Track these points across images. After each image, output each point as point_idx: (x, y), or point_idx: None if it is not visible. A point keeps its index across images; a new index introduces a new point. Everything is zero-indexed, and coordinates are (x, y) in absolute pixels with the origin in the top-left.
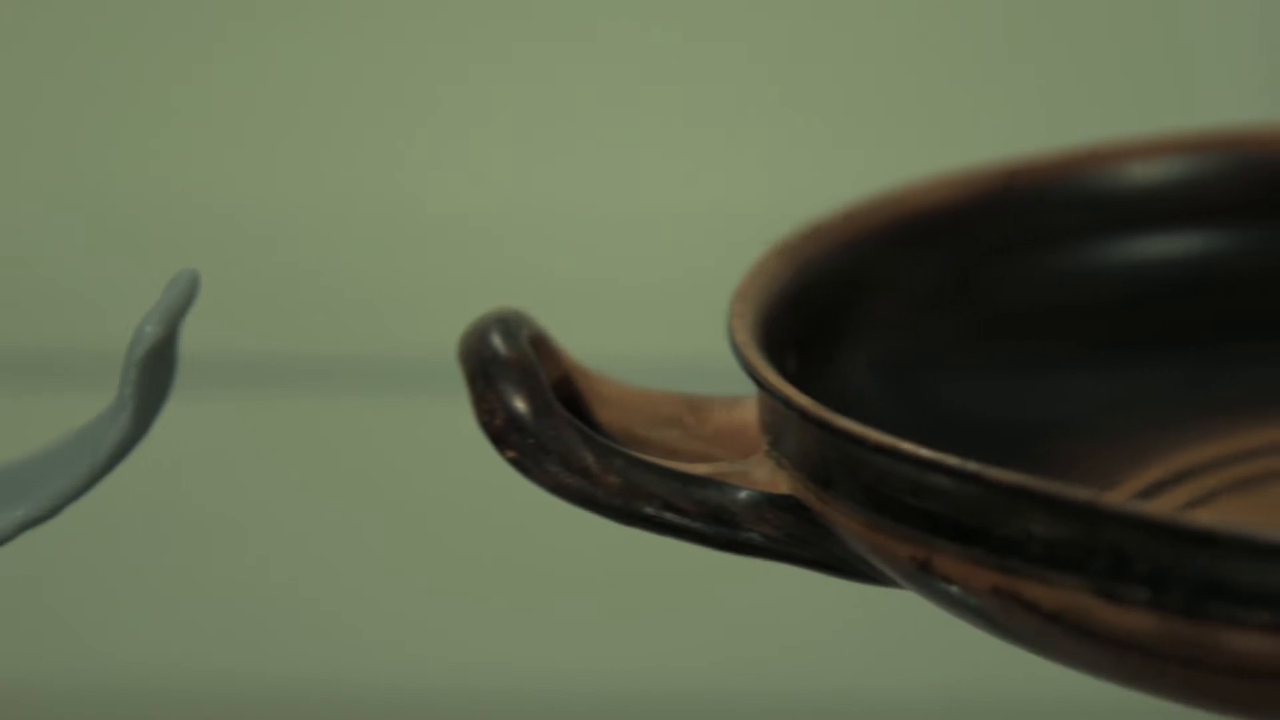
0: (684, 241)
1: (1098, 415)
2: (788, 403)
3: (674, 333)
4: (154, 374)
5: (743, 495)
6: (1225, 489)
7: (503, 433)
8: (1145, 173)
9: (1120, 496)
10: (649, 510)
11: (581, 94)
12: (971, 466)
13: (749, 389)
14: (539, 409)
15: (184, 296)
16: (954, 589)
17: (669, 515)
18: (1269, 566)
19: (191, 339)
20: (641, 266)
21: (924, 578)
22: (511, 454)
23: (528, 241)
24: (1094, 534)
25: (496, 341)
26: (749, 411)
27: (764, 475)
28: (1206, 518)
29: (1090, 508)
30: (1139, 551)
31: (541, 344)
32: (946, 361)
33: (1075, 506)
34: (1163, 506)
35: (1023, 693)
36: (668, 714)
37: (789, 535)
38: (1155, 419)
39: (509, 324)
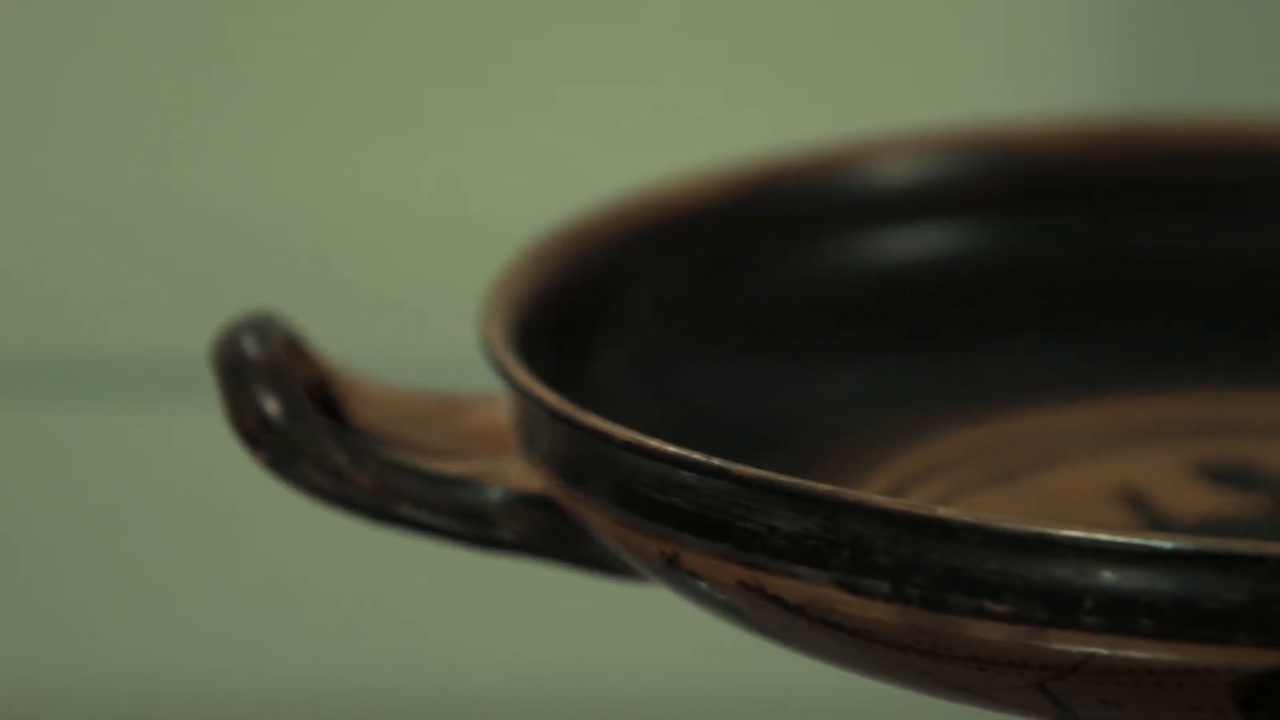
0: (452, 239)
1: (852, 410)
2: (536, 401)
3: (441, 331)
4: None
5: (495, 494)
6: (978, 481)
7: (254, 434)
8: (898, 171)
9: (871, 490)
10: (403, 511)
11: (338, 92)
12: (715, 462)
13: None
14: (291, 411)
15: None
16: (701, 584)
17: (423, 515)
18: (1008, 557)
19: None
20: (406, 265)
21: (672, 573)
22: (263, 455)
23: (288, 241)
24: (835, 527)
25: (248, 344)
26: (506, 410)
27: (517, 474)
28: (946, 509)
29: (831, 501)
30: (880, 544)
31: (295, 346)
32: (701, 360)
33: (816, 500)
34: (913, 500)
35: (778, 687)
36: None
37: (541, 533)
38: (908, 413)
39: (261, 327)
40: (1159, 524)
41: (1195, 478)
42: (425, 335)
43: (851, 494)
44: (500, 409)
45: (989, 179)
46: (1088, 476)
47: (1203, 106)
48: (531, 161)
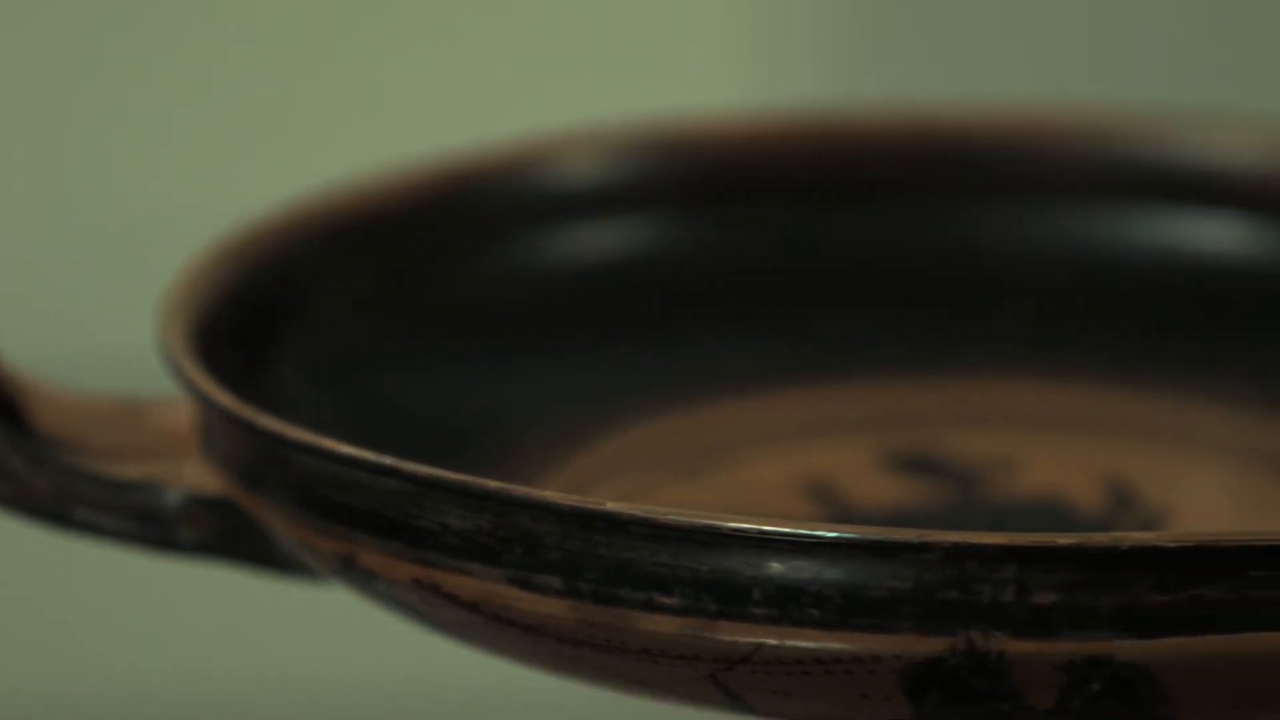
0: (140, 238)
1: (543, 408)
2: (210, 402)
3: (131, 332)
4: None
5: (174, 497)
6: (666, 476)
7: None
8: (587, 168)
9: (556, 487)
10: (81, 515)
11: (12, 86)
12: (386, 461)
13: None
14: None
15: None
16: (378, 583)
17: (101, 519)
18: (676, 550)
19: None
20: (94, 265)
21: (350, 573)
22: None
23: None
24: (506, 524)
25: None
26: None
27: (196, 476)
28: (614, 504)
29: (500, 497)
30: (550, 540)
31: None
32: (392, 360)
33: (486, 497)
34: (583, 495)
35: (463, 685)
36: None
37: (221, 535)
38: (599, 409)
39: None
40: (844, 514)
41: (883, 468)
42: (113, 336)
43: (520, 490)
44: (183, 412)
45: (679, 174)
46: (776, 469)
47: (888, 98)
48: (217, 159)
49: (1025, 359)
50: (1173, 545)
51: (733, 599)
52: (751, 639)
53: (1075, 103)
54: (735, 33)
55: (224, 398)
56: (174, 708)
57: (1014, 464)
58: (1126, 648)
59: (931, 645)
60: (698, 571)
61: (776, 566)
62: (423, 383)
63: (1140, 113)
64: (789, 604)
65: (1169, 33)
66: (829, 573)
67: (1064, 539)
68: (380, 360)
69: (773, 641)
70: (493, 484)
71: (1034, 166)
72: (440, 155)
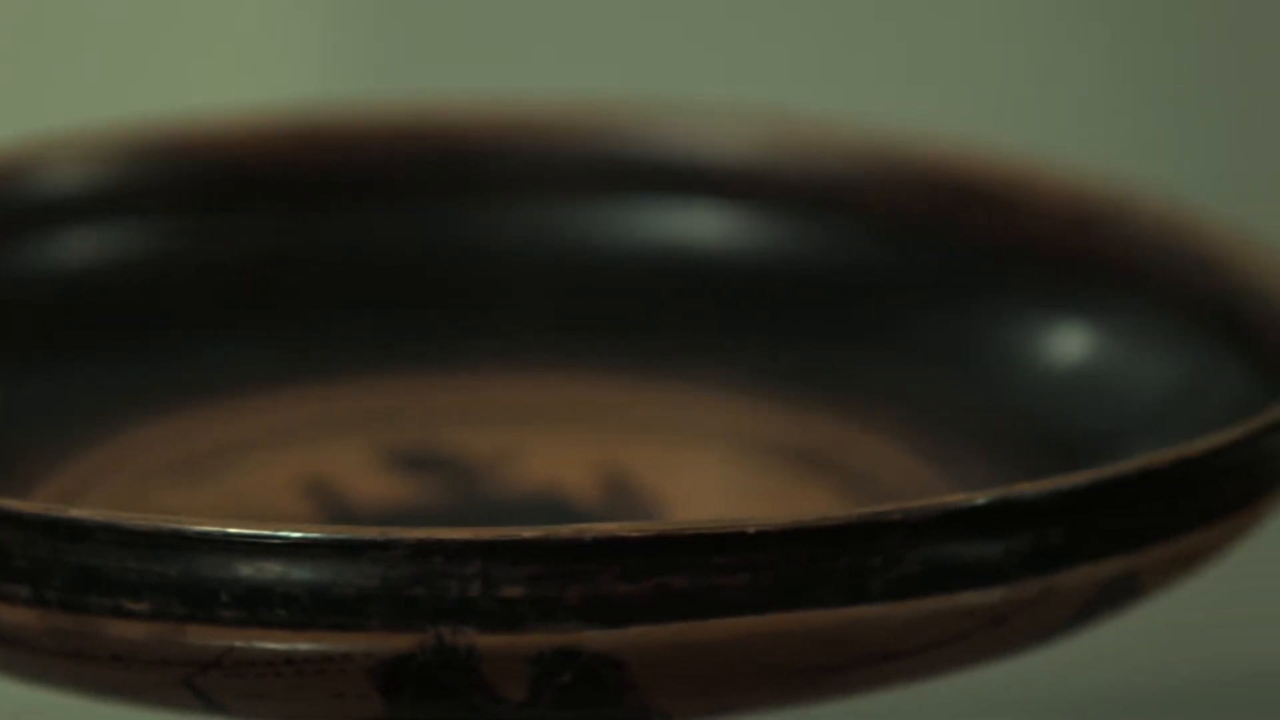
0: None
1: (35, 417)
2: None
3: None
4: None
5: None
6: (164, 481)
7: None
8: (72, 174)
9: (45, 497)
10: None
11: None
12: None
13: None
14: None
15: None
16: None
17: None
18: (144, 555)
19: None
20: None
21: None
22: None
23: None
24: None
25: None
26: None
27: None
28: (78, 510)
29: None
30: (16, 548)
31: None
32: None
33: None
34: (92, 502)
35: None
36: None
37: None
38: (94, 417)
39: None
40: (345, 514)
41: (385, 466)
42: None
43: None
44: None
45: (171, 178)
46: (277, 470)
47: (384, 97)
48: None
49: (524, 354)
50: (636, 535)
51: (201, 602)
52: (222, 642)
53: (566, 98)
54: (248, 31)
55: None
56: None
57: (514, 458)
58: (595, 638)
59: (402, 642)
60: (166, 576)
61: (244, 568)
62: None
63: (629, 107)
64: (257, 606)
65: (651, 25)
66: (296, 573)
67: (529, 532)
68: None
69: (242, 644)
70: None
71: (527, 162)
72: None
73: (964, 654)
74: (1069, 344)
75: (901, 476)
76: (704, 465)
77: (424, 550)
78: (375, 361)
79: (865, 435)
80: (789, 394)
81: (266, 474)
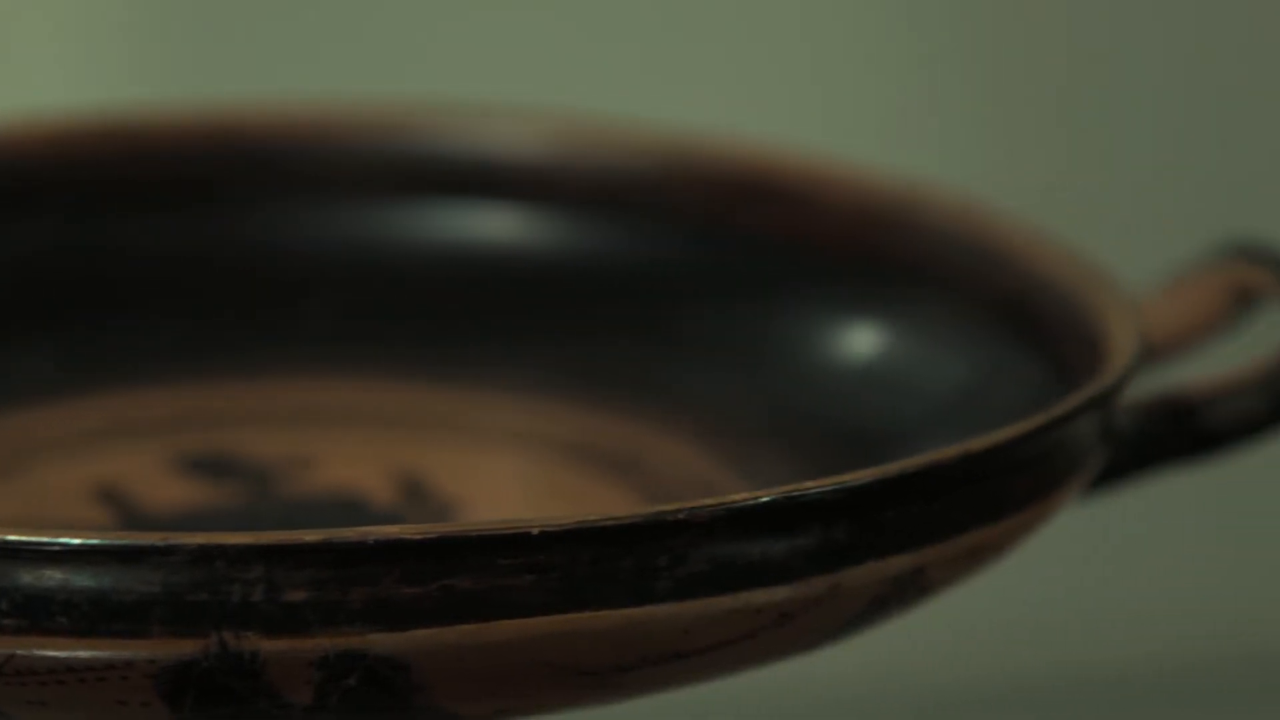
0: None
1: None
2: None
3: None
4: None
5: None
6: None
7: None
8: None
9: None
10: None
11: None
12: None
13: None
14: None
15: None
16: None
17: None
18: None
19: None
20: None
21: None
22: None
23: None
24: None
25: None
26: None
27: None
28: None
29: None
30: None
31: None
32: None
33: None
34: None
35: None
36: None
37: None
38: None
39: None
40: (136, 519)
41: (178, 471)
42: None
43: None
44: None
45: None
46: (69, 475)
47: (179, 99)
48: None
49: (321, 356)
50: (419, 538)
51: None
52: (2, 650)
53: (359, 100)
54: (52, 31)
55: None
56: None
57: (311, 462)
58: (380, 640)
59: (184, 648)
60: None
61: (24, 575)
62: None
63: (421, 108)
64: (37, 613)
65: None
66: (77, 579)
67: (310, 535)
68: None
69: (22, 651)
70: None
71: (320, 163)
72: None
73: (753, 652)
74: (862, 340)
75: (697, 476)
76: (500, 466)
77: (205, 555)
78: (167, 366)
79: (662, 436)
80: (584, 394)
81: (58, 479)
